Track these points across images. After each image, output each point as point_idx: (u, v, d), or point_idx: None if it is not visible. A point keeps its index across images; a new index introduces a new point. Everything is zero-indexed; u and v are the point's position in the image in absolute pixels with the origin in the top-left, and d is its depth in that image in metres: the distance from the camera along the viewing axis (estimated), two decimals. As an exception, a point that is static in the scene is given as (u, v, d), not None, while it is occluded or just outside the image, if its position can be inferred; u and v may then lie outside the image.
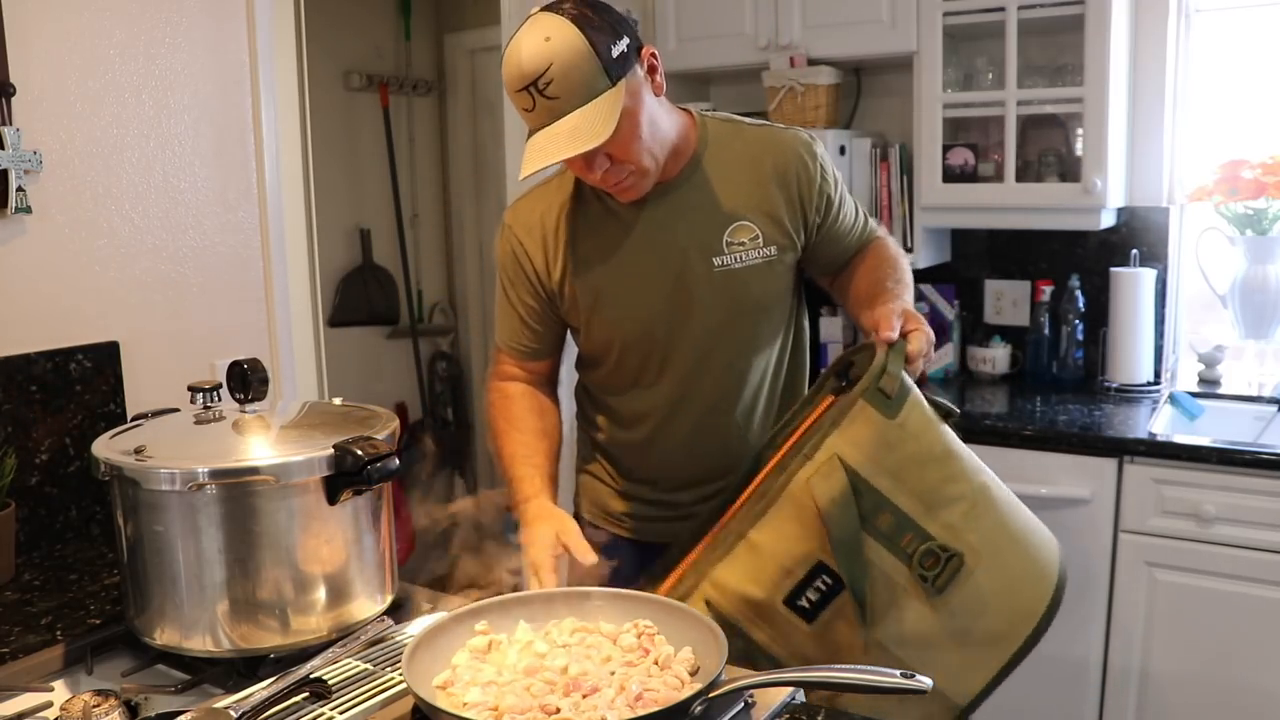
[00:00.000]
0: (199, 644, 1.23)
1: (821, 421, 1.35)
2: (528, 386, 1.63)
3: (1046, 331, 2.80)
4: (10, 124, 1.70)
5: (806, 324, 1.68)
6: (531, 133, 1.34)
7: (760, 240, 1.52)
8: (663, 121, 1.44)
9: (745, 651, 1.30)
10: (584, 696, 1.05)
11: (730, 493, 1.49)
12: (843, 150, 2.86)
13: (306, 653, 1.22)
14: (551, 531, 1.39)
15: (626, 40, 1.34)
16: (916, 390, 1.36)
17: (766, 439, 1.53)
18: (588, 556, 1.36)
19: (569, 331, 1.65)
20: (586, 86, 1.30)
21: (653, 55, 1.41)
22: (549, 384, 1.67)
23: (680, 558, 1.45)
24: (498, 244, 1.61)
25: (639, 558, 1.66)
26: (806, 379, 1.68)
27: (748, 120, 1.60)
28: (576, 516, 1.76)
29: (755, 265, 1.53)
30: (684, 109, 1.54)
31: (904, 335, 1.36)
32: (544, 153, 1.31)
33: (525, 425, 1.57)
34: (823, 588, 1.29)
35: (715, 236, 1.51)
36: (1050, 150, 2.69)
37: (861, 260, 1.65)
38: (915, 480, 1.32)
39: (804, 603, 1.29)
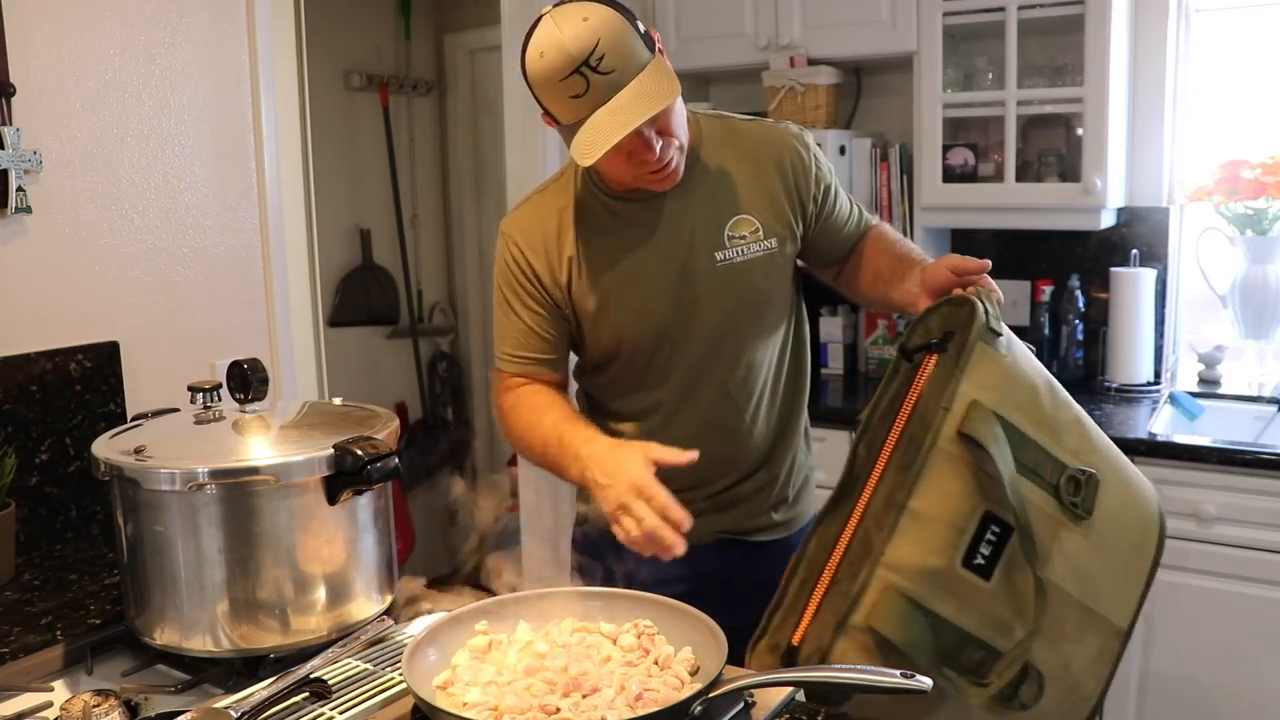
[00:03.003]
0: (199, 644, 1.23)
1: (937, 379, 1.32)
2: (541, 385, 1.58)
3: (1046, 331, 2.80)
4: (10, 124, 1.71)
5: (806, 317, 1.69)
6: (577, 122, 1.31)
7: (760, 233, 1.53)
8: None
9: (933, 630, 1.23)
10: (584, 696, 1.05)
11: (843, 485, 1.38)
12: (843, 150, 2.86)
13: (306, 653, 1.22)
14: (636, 455, 1.31)
15: (639, 21, 1.36)
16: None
17: (863, 423, 1.42)
18: (685, 455, 1.30)
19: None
20: (636, 54, 1.30)
21: (659, 38, 1.41)
22: (562, 390, 1.64)
23: (824, 560, 1.34)
24: (497, 255, 1.58)
25: (640, 563, 1.66)
26: (809, 371, 1.69)
27: (737, 116, 1.61)
28: (579, 519, 1.76)
29: (757, 258, 1.53)
30: None
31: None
32: (618, 124, 1.28)
33: (556, 404, 1.52)
34: (993, 539, 1.26)
35: (716, 231, 1.51)
36: (1050, 150, 2.69)
37: (866, 245, 1.66)
38: (1038, 411, 1.33)
39: (980, 560, 1.26)
